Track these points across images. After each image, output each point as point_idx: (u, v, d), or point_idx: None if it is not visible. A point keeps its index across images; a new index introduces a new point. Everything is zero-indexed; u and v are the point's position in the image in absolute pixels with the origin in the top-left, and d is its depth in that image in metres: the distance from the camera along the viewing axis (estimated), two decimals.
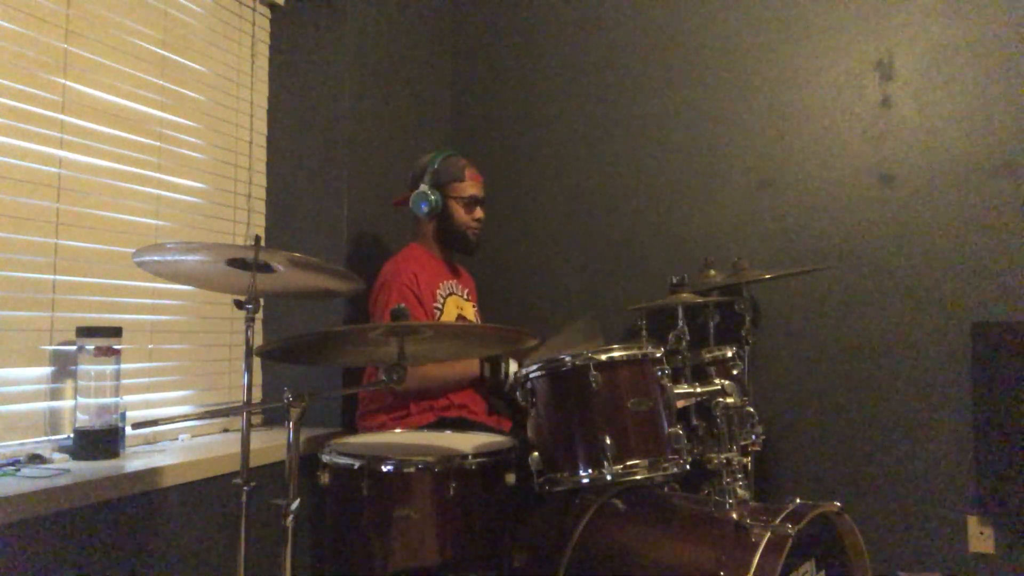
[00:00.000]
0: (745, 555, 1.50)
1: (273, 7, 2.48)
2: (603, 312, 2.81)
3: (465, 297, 2.40)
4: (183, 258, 1.55)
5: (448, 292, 2.31)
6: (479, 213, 2.33)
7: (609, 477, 1.63)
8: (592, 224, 2.90)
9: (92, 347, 1.69)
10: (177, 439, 2.03)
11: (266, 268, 1.53)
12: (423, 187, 2.26)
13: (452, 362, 2.19)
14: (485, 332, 1.70)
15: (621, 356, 1.71)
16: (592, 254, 2.89)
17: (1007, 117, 2.39)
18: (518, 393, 1.80)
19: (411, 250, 2.32)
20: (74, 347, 1.70)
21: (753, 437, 2.03)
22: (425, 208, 2.25)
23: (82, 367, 1.69)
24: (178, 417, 1.43)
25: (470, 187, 2.30)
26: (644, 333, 2.34)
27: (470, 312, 2.40)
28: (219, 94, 2.27)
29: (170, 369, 2.07)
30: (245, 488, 1.54)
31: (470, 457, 1.63)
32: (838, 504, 1.65)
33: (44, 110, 1.72)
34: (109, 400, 1.71)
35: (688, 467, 1.70)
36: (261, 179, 2.44)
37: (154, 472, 1.65)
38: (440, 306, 2.26)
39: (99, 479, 1.50)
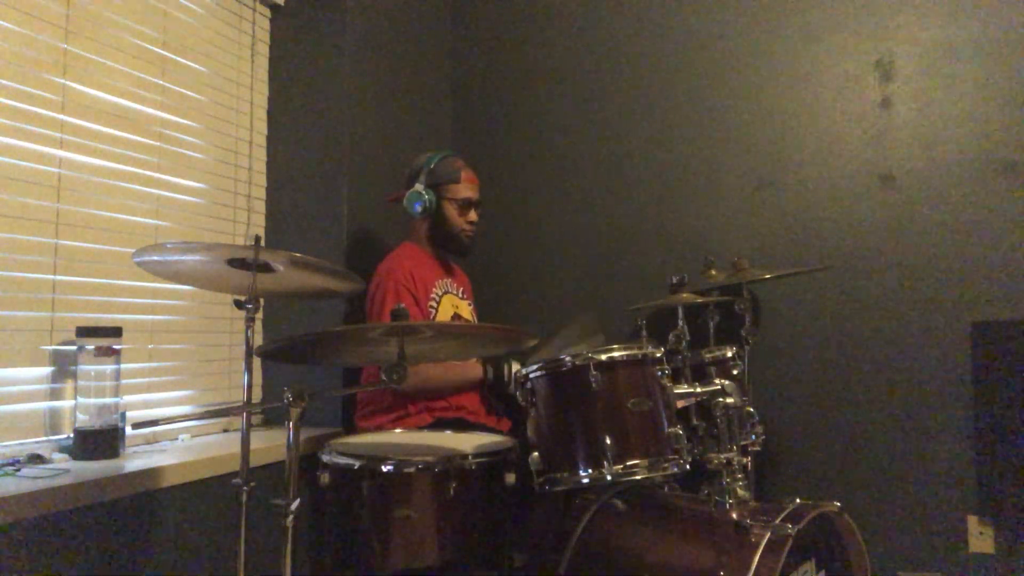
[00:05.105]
0: (745, 555, 1.50)
1: (273, 7, 2.48)
2: (603, 312, 2.81)
3: (461, 296, 2.40)
4: (183, 258, 1.55)
5: (443, 291, 2.31)
6: (473, 216, 2.32)
7: (609, 477, 1.63)
8: (592, 224, 2.89)
9: (92, 347, 1.69)
10: (177, 439, 2.03)
11: (266, 268, 1.53)
12: (418, 186, 2.26)
13: (453, 365, 2.19)
14: (485, 332, 1.70)
15: (621, 356, 1.71)
16: (592, 254, 2.89)
17: (1007, 117, 2.39)
18: (518, 393, 1.80)
19: (405, 249, 2.32)
20: (74, 347, 1.70)
21: (753, 437, 2.03)
22: (419, 208, 2.25)
23: (82, 367, 1.69)
24: (178, 417, 1.43)
25: (465, 189, 2.30)
26: (644, 333, 2.34)
27: (466, 311, 2.40)
28: (219, 94, 2.27)
29: (170, 369, 2.07)
30: (245, 488, 1.54)
31: (470, 457, 1.63)
32: (838, 504, 1.65)
33: (44, 110, 1.72)
34: (109, 400, 1.71)
35: (688, 467, 1.70)
36: (261, 179, 2.44)
37: (154, 472, 1.65)
38: (435, 305, 2.25)
39: (99, 479, 1.50)
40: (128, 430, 1.76)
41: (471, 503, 1.63)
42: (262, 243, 1.45)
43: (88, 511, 1.51)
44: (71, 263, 1.78)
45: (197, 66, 2.19)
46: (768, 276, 2.32)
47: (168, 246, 1.49)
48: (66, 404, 1.74)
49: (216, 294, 2.16)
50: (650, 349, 1.75)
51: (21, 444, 1.65)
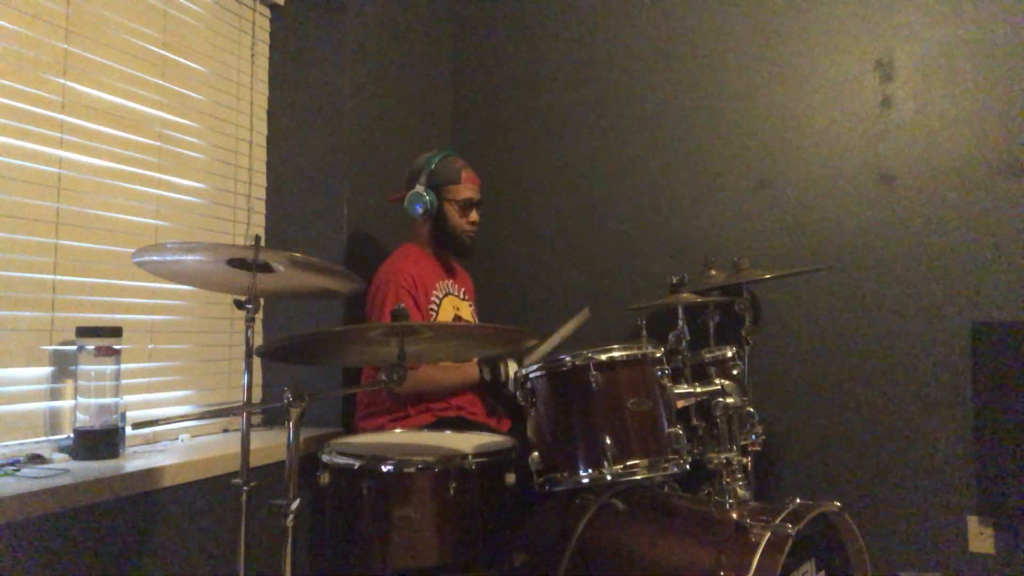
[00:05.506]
0: (745, 555, 1.50)
1: (273, 7, 2.48)
2: (603, 312, 2.81)
3: (462, 296, 2.40)
4: (183, 258, 1.55)
5: (444, 293, 2.31)
6: (474, 216, 2.32)
7: (609, 477, 1.63)
8: (592, 224, 2.89)
9: (92, 347, 1.69)
10: (177, 439, 2.03)
11: (266, 268, 1.53)
12: (418, 187, 2.25)
13: (450, 367, 2.18)
14: (485, 332, 1.70)
15: (621, 356, 1.71)
16: (592, 254, 2.89)
17: (1007, 117, 2.39)
18: (518, 393, 1.80)
19: (406, 250, 2.32)
20: (74, 347, 1.70)
21: (753, 437, 2.03)
22: (420, 209, 2.25)
23: (82, 367, 1.69)
24: (178, 417, 1.43)
25: (466, 190, 2.29)
26: (644, 333, 2.34)
27: (467, 312, 2.39)
28: (219, 94, 2.27)
29: (170, 369, 2.07)
30: (245, 488, 1.54)
31: (470, 457, 1.63)
32: (838, 504, 1.65)
33: (44, 110, 1.72)
34: (109, 400, 1.71)
35: (688, 467, 1.70)
36: (261, 179, 2.44)
37: (154, 472, 1.65)
38: (436, 307, 2.25)
39: (99, 479, 1.50)
40: (128, 430, 1.76)
41: (471, 503, 1.63)
42: (262, 243, 1.45)
43: (88, 511, 1.51)
44: (71, 263, 1.78)
45: (197, 66, 2.19)
46: (768, 276, 2.32)
47: (168, 246, 1.49)
48: (66, 404, 1.74)
49: (216, 294, 2.16)
50: (650, 349, 1.75)
51: (21, 444, 1.64)
